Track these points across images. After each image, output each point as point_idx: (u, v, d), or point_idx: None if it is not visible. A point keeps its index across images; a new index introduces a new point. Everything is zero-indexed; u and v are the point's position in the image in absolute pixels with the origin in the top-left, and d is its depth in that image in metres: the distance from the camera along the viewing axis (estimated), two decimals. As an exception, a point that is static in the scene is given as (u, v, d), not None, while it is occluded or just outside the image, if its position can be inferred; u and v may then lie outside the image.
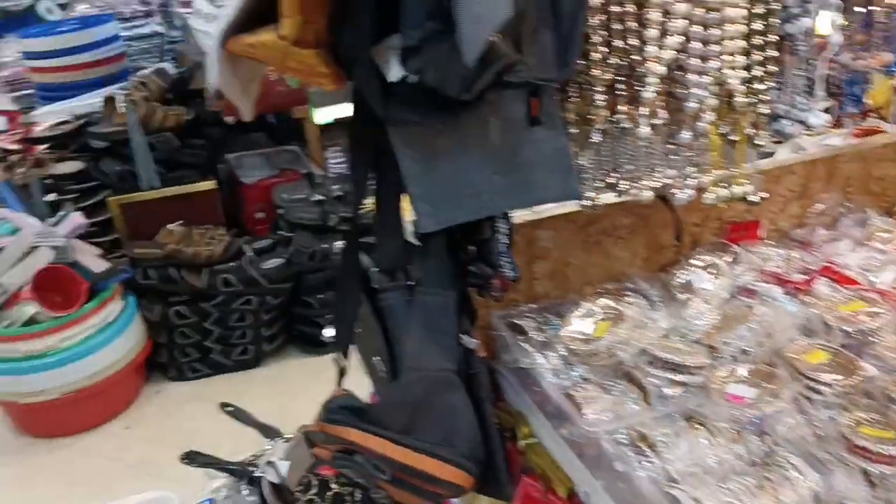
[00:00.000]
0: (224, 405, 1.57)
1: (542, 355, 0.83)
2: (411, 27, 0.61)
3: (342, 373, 0.93)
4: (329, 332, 1.14)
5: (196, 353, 2.28)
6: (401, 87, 0.65)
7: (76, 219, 2.11)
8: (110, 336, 2.06)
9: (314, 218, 2.27)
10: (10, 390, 2.00)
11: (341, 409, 0.82)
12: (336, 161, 2.52)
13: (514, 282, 0.79)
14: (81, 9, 4.03)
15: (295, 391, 2.24)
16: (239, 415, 1.57)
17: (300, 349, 2.40)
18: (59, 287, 2.04)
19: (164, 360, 2.29)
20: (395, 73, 0.64)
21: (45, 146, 2.39)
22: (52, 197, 2.23)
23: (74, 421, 2.10)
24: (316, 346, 2.36)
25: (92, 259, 2.12)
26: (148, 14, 3.97)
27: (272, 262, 2.23)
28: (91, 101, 2.55)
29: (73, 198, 2.26)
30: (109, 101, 2.35)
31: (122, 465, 2.00)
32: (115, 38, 3.03)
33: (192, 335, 2.24)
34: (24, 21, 7.93)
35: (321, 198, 2.33)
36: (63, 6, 9.26)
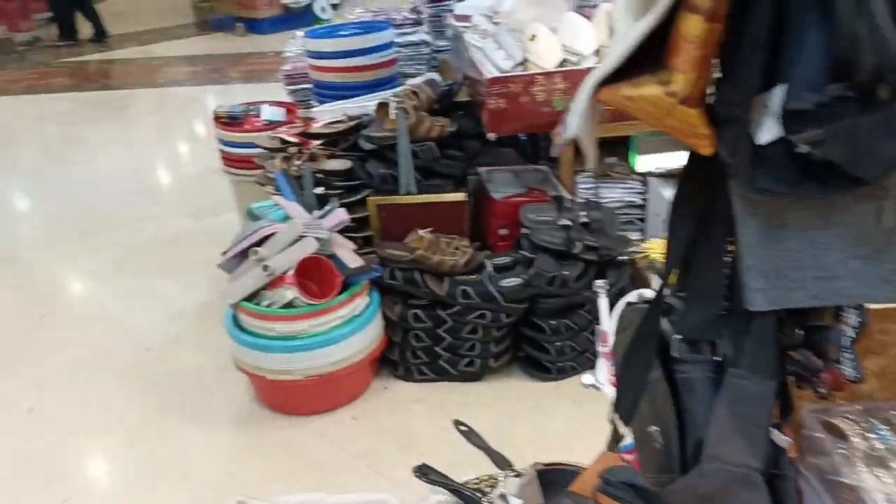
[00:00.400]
0: (458, 423, 1.57)
1: (873, 474, 0.70)
2: (804, 86, 0.53)
3: (617, 438, 0.86)
4: (588, 380, 1.07)
5: (425, 356, 2.33)
6: (771, 150, 0.57)
7: (340, 214, 2.23)
8: (355, 328, 2.16)
9: (559, 242, 2.22)
10: (260, 365, 2.16)
11: (623, 486, 0.75)
12: (586, 186, 2.45)
13: (854, 382, 0.68)
14: (357, 12, 4.32)
15: (516, 413, 2.22)
16: (471, 437, 1.56)
17: (524, 371, 2.37)
18: (316, 276, 2.18)
19: (394, 358, 2.36)
20: (767, 135, 0.56)
21: (319, 142, 2.56)
22: (319, 190, 2.37)
23: (311, 403, 2.23)
24: (540, 370, 2.32)
25: (348, 253, 2.24)
26: (417, 23, 4.16)
27: (511, 281, 2.21)
28: (364, 105, 2.70)
29: (338, 193, 2.40)
30: (382, 106, 2.47)
31: (346, 455, 2.09)
32: (390, 44, 3.19)
33: (425, 339, 2.29)
34: (302, 18, 8.79)
35: (568, 223, 2.27)
36: (335, 6, 10.09)
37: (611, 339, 1.37)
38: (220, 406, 2.34)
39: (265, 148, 2.66)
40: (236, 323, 2.23)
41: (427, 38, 3.81)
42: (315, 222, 2.19)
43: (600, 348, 1.38)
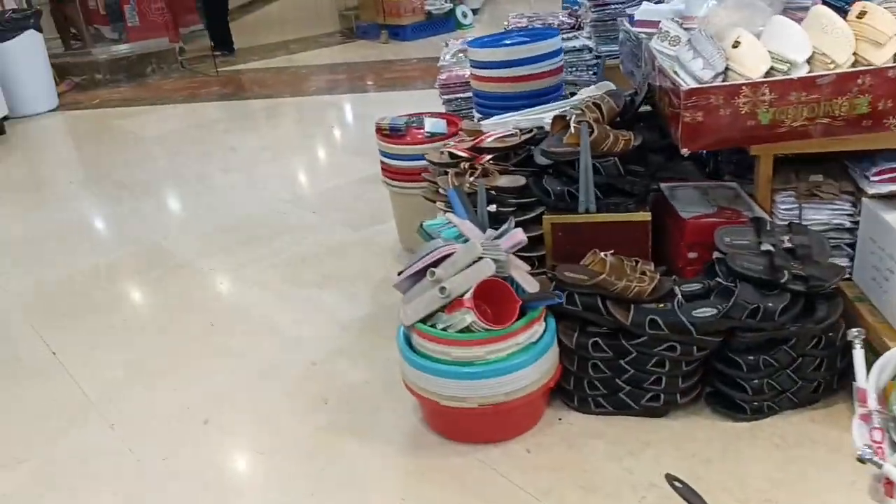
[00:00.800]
0: (671, 478, 1.41)
1: None
2: None
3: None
4: (867, 453, 0.90)
5: (604, 388, 2.17)
6: None
7: (518, 235, 2.12)
8: (532, 356, 2.04)
9: (762, 270, 2.00)
10: (433, 389, 2.07)
11: None
12: (787, 207, 2.21)
13: None
14: (513, 20, 4.22)
15: (708, 456, 2.02)
16: (688, 495, 1.39)
17: (714, 409, 2.16)
18: (491, 300, 2.07)
19: (568, 388, 2.22)
20: None
21: (490, 157, 2.46)
22: (492, 208, 2.27)
23: (483, 432, 2.12)
24: (733, 409, 2.11)
25: (523, 276, 2.12)
26: (575, 27, 4.00)
27: (705, 311, 2.02)
28: (535, 117, 2.58)
29: (511, 211, 2.28)
30: (559, 119, 2.34)
31: (523, 494, 1.96)
32: (558, 52, 3.06)
33: (605, 370, 2.14)
34: (443, 24, 8.80)
35: (770, 248, 2.05)
36: (475, 11, 10.05)
37: (871, 399, 1.17)
38: (389, 426, 2.28)
39: (433, 162, 2.59)
40: (408, 343, 2.16)
41: (589, 43, 3.65)
42: (492, 243, 2.08)
43: (858, 409, 1.18)
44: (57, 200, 4.54)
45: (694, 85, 2.04)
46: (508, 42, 3.16)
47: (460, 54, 4.33)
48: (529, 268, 2.19)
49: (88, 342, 2.91)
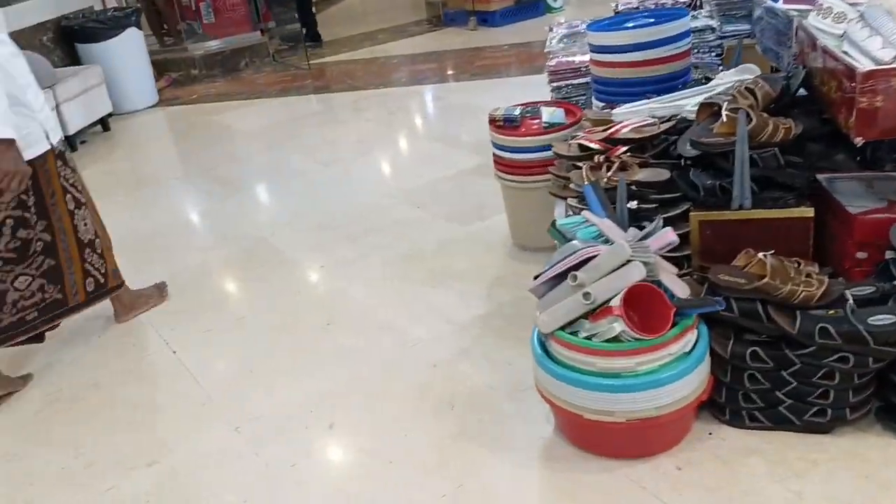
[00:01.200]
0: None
1: None
2: None
3: None
4: None
5: (761, 401, 1.98)
6: None
7: (668, 234, 1.95)
8: (686, 367, 1.87)
9: (952, 273, 1.78)
10: (575, 402, 1.94)
11: None
12: (974, 200, 1.97)
13: None
14: (622, 1, 3.99)
15: (884, 479, 1.82)
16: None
17: (886, 426, 1.95)
18: (639, 306, 1.92)
19: (719, 400, 2.04)
20: None
21: (625, 149, 2.30)
22: (632, 205, 2.11)
23: (628, 447, 1.98)
24: (911, 427, 1.90)
25: (672, 280, 1.96)
26: (691, 6, 3.76)
27: (882, 319, 1.81)
28: (672, 104, 2.39)
29: (654, 208, 2.12)
30: (706, 106, 2.15)
31: (679, 514, 1.81)
32: (687, 33, 2.85)
33: (763, 381, 1.95)
34: (532, 8, 8.58)
35: (960, 248, 1.82)
36: (563, -8, 9.61)
37: None
38: (521, 437, 2.15)
39: (561, 155, 2.44)
40: (543, 349, 2.03)
41: (712, 23, 3.41)
42: (640, 244, 1.92)
43: None
44: (162, 196, 4.60)
45: (872, 66, 1.82)
46: (631, 25, 2.97)
47: (566, 39, 4.15)
48: (677, 270, 2.02)
49: (206, 341, 2.90)
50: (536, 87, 5.35)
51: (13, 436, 2.50)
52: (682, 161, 2.22)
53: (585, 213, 2.12)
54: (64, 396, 2.67)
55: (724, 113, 2.04)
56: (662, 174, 2.14)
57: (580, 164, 2.32)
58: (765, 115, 2.03)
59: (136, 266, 3.41)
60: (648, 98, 2.65)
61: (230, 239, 3.82)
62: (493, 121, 3.06)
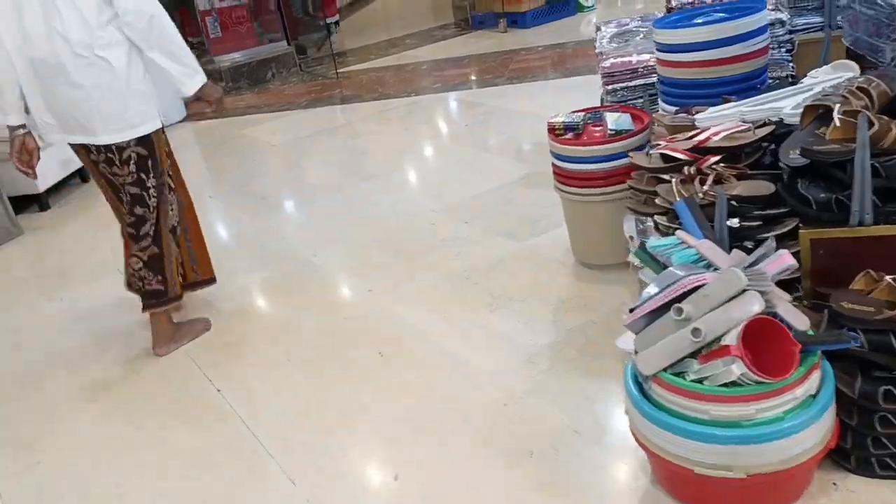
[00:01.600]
0: None
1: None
2: None
3: None
4: None
5: (894, 447, 1.72)
6: None
7: (786, 258, 1.70)
8: (814, 413, 1.62)
9: None
10: (683, 454, 1.69)
11: None
12: None
13: None
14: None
15: None
16: None
17: None
18: (755, 343, 1.66)
19: (845, 445, 1.78)
20: None
21: (716, 158, 2.05)
22: (733, 222, 1.86)
23: (741, 502, 1.73)
24: None
25: (790, 310, 1.70)
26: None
27: None
28: (766, 106, 2.14)
29: (757, 226, 1.87)
30: (811, 109, 1.90)
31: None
32: (764, 28, 2.60)
33: (898, 425, 1.69)
34: (564, 8, 8.32)
35: None
36: (599, -9, 9.36)
37: None
38: (613, 490, 1.91)
39: (642, 167, 2.20)
40: (641, 391, 1.79)
41: (781, 16, 3.15)
42: (755, 271, 1.68)
43: None
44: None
45: None
46: (700, 20, 2.72)
47: (617, 38, 3.91)
48: (790, 298, 1.77)
49: (252, 377, 2.69)
50: (578, 90, 5.13)
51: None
52: (785, 172, 1.97)
53: (680, 234, 1.87)
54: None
55: (836, 116, 1.78)
56: (766, 187, 1.89)
57: (665, 176, 2.08)
58: (885, 117, 1.77)
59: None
60: (726, 100, 2.41)
61: (272, 260, 3.61)
62: (552, 129, 2.82)
